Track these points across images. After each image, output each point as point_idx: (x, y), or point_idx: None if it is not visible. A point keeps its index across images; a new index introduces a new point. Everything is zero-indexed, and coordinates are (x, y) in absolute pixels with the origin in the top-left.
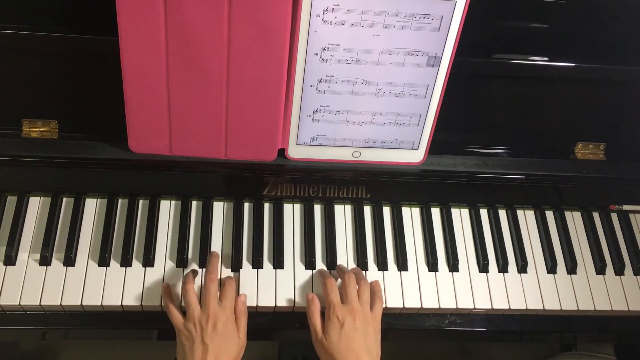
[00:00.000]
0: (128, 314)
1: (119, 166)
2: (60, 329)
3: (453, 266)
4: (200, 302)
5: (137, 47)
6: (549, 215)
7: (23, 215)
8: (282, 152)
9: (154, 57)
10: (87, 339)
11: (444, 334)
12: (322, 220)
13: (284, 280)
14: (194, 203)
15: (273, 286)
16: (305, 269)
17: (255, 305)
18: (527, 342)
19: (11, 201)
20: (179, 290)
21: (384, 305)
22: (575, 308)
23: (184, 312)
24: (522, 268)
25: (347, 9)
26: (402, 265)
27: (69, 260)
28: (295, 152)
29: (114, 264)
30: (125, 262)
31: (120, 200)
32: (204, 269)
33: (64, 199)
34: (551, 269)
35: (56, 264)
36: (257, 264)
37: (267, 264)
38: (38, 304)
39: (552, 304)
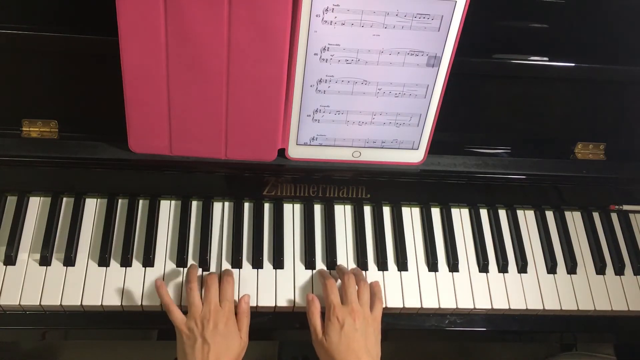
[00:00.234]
0: (128, 314)
1: (119, 166)
2: (60, 329)
3: (453, 266)
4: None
5: (137, 47)
6: (549, 215)
7: (23, 215)
8: (282, 152)
9: (154, 57)
10: (87, 339)
11: (444, 334)
12: (322, 220)
13: (284, 280)
14: (194, 203)
15: (273, 286)
16: (305, 269)
17: (255, 305)
18: (527, 342)
19: (11, 201)
20: (178, 289)
21: (383, 306)
22: (575, 308)
23: (184, 312)
24: (522, 268)
25: (347, 9)
26: (402, 265)
27: (69, 260)
28: (295, 152)
29: (114, 264)
30: (125, 262)
31: (120, 200)
32: (204, 272)
33: (64, 199)
34: (551, 269)
35: (56, 264)
36: (257, 264)
37: (267, 264)
38: (38, 304)
39: (552, 304)
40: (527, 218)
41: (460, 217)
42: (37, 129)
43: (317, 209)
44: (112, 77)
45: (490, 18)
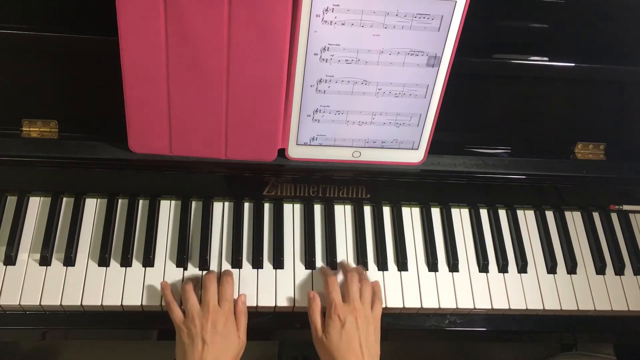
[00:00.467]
0: (128, 314)
1: (119, 166)
2: (60, 329)
3: (453, 266)
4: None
5: (137, 47)
6: (549, 215)
7: (23, 215)
8: (282, 152)
9: (154, 57)
10: (87, 339)
11: (444, 334)
12: (322, 220)
13: (284, 280)
14: (194, 203)
15: (273, 286)
16: (305, 269)
17: (255, 305)
18: (527, 342)
19: (11, 201)
20: (178, 289)
21: (383, 305)
22: (575, 308)
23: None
24: (522, 268)
25: (347, 9)
26: (402, 265)
27: (69, 260)
28: (295, 152)
29: (114, 264)
30: (125, 262)
31: (120, 200)
32: (203, 272)
33: (64, 199)
34: (551, 269)
35: (56, 264)
36: (257, 264)
37: (267, 264)
38: (38, 304)
39: (552, 304)
40: (527, 218)
41: (460, 217)
42: (37, 129)
43: (317, 209)
44: (112, 77)
45: (490, 18)
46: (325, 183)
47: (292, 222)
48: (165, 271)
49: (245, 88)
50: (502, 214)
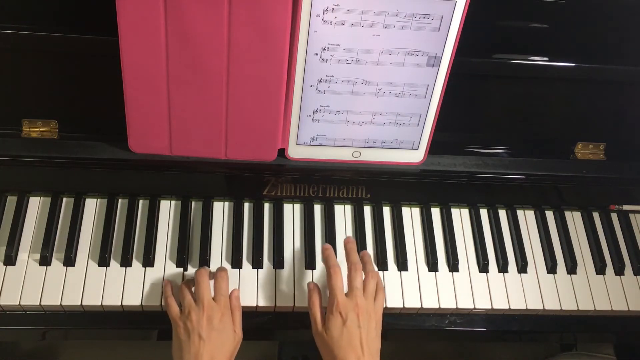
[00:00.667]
0: (128, 314)
1: (119, 166)
2: (60, 329)
3: (453, 266)
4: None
5: (137, 47)
6: (549, 215)
7: (23, 215)
8: (282, 152)
9: (154, 57)
10: (87, 339)
11: (444, 334)
12: (322, 220)
13: (284, 280)
14: (194, 203)
15: (273, 286)
16: (305, 269)
17: (255, 305)
18: (527, 342)
19: (11, 201)
20: (177, 288)
21: (383, 306)
22: (575, 308)
23: None
24: (522, 268)
25: (347, 9)
26: (402, 265)
27: (69, 260)
28: (295, 152)
29: (114, 264)
30: (125, 262)
31: (120, 200)
32: None
33: (64, 199)
34: (551, 269)
35: (56, 264)
36: (257, 263)
37: (267, 264)
38: (38, 304)
39: (552, 304)
40: (527, 218)
41: (460, 217)
42: (37, 129)
43: (317, 209)
44: (112, 77)
45: (490, 18)
46: (325, 183)
47: (292, 222)
48: (165, 271)
49: (245, 88)
50: (502, 214)
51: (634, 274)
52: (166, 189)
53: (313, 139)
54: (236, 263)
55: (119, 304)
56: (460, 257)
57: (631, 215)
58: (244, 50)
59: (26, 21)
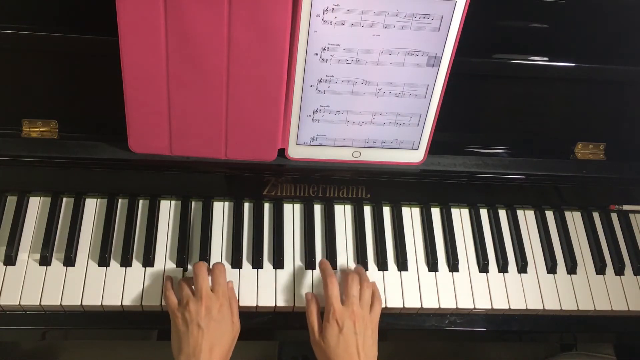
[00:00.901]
0: (128, 314)
1: (119, 166)
2: (60, 329)
3: (453, 266)
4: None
5: (137, 47)
6: (549, 215)
7: (23, 215)
8: (282, 152)
9: (154, 57)
10: (87, 339)
11: (444, 334)
12: (322, 220)
13: (284, 280)
14: (194, 203)
15: (273, 286)
16: (305, 269)
17: (255, 305)
18: (527, 342)
19: (11, 201)
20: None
21: (383, 306)
22: (575, 308)
23: None
24: (522, 268)
25: (347, 9)
26: (402, 265)
27: (69, 260)
28: (295, 152)
29: (114, 264)
30: (125, 262)
31: (120, 200)
32: None
33: (64, 199)
34: (551, 269)
35: (56, 264)
36: (257, 264)
37: (267, 264)
38: (38, 304)
39: (552, 304)
40: (527, 218)
41: (460, 217)
42: (37, 129)
43: (317, 209)
44: (112, 77)
45: (490, 18)
46: (325, 183)
47: (292, 222)
48: (165, 271)
49: (245, 88)
50: (502, 214)
51: (634, 274)
52: (166, 189)
53: (313, 139)
54: (236, 263)
55: (119, 304)
56: (460, 257)
57: (631, 215)
58: (244, 50)
59: (26, 21)
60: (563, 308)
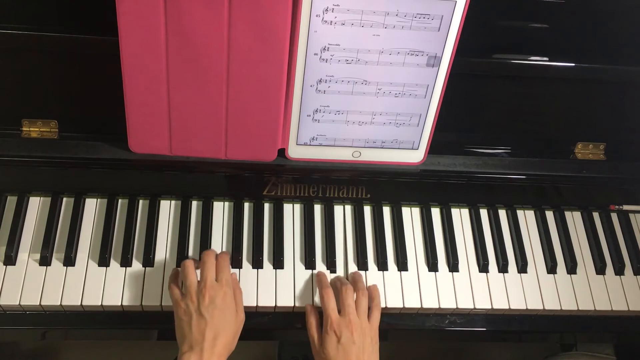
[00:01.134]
0: (128, 314)
1: (119, 166)
2: (60, 329)
3: (453, 266)
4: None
5: (137, 47)
6: (549, 215)
7: (23, 215)
8: (282, 152)
9: (154, 57)
10: (87, 339)
11: (444, 334)
12: (322, 220)
13: (284, 280)
14: (194, 203)
15: (273, 286)
16: (305, 269)
17: (255, 305)
18: (527, 342)
19: (11, 201)
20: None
21: (383, 306)
22: (575, 308)
23: None
24: (522, 268)
25: (347, 9)
26: (402, 265)
27: (69, 260)
28: (295, 152)
29: (114, 264)
30: (125, 262)
31: (120, 200)
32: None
33: (64, 199)
34: (551, 269)
35: (56, 264)
36: (257, 264)
37: (267, 264)
38: (38, 304)
39: (552, 304)
40: (527, 218)
41: (460, 217)
42: (37, 129)
43: (317, 209)
44: (112, 77)
45: (490, 18)
46: (325, 183)
47: (292, 222)
48: (165, 271)
49: (245, 88)
50: (502, 214)
51: (634, 274)
52: (166, 189)
53: (313, 139)
54: (236, 263)
55: (119, 304)
56: (460, 257)
57: (631, 215)
58: (244, 50)
59: (26, 21)
60: (563, 308)
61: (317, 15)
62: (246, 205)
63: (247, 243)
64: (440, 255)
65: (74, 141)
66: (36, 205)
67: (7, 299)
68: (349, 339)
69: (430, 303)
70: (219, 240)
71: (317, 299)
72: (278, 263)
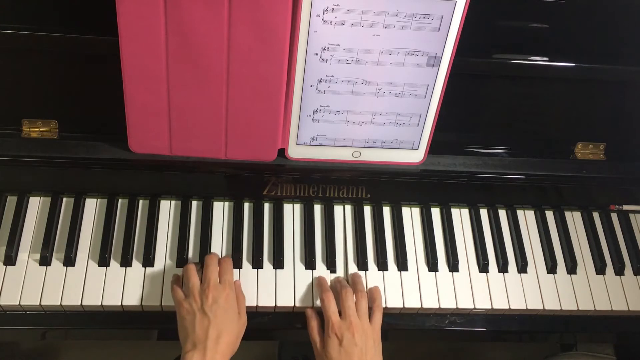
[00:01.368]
0: (128, 314)
1: (119, 166)
2: (60, 329)
3: (453, 266)
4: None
5: (137, 47)
6: (549, 215)
7: (23, 215)
8: (282, 152)
9: (154, 57)
10: (87, 339)
11: (444, 334)
12: (322, 220)
13: (284, 280)
14: (194, 203)
15: (273, 286)
16: (305, 269)
17: (255, 305)
18: (527, 342)
19: (11, 201)
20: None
21: (384, 306)
22: (575, 308)
23: None
24: (522, 268)
25: (347, 9)
26: (402, 265)
27: (69, 260)
28: (295, 152)
29: (114, 264)
30: (125, 262)
31: (120, 200)
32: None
33: (64, 199)
34: (551, 269)
35: (56, 264)
36: (257, 264)
37: (267, 264)
38: (38, 304)
39: (552, 304)
40: (527, 218)
41: (460, 217)
42: (37, 129)
43: (317, 209)
44: (112, 77)
45: (490, 18)
46: (325, 183)
47: (292, 222)
48: (165, 271)
49: (245, 88)
50: (502, 214)
51: (634, 274)
52: (166, 189)
53: (313, 139)
54: (236, 263)
55: (119, 304)
56: (460, 257)
57: (631, 215)
58: (244, 50)
59: (26, 21)
60: (563, 308)
61: (317, 15)
62: (246, 205)
63: (247, 243)
64: (440, 255)
65: (74, 141)
66: (36, 205)
67: (7, 299)
68: (350, 341)
69: (430, 303)
70: (219, 240)
71: (317, 301)
72: (278, 263)
